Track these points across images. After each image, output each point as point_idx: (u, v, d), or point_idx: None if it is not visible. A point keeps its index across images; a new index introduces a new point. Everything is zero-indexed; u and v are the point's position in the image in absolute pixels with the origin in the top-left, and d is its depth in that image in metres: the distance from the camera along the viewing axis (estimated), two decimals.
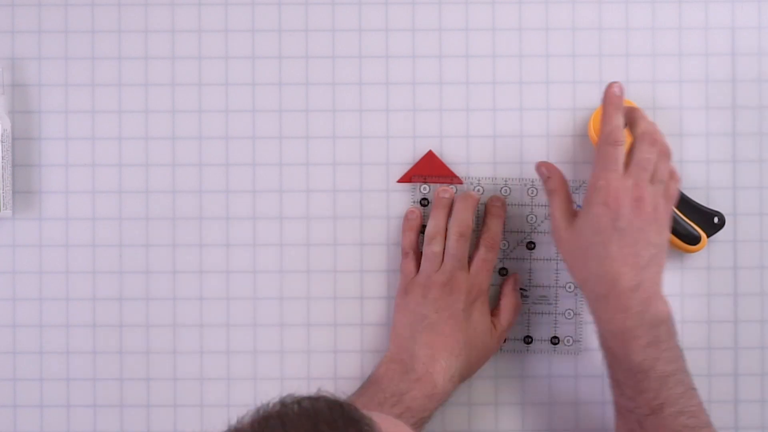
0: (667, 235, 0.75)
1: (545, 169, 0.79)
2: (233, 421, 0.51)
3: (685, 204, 0.81)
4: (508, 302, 0.81)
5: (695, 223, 0.81)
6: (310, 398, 0.51)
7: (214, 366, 0.83)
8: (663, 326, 0.72)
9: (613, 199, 0.72)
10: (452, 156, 0.83)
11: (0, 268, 0.83)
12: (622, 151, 0.74)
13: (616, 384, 0.74)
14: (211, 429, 0.55)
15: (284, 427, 0.50)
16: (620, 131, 0.75)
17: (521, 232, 0.83)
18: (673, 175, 0.76)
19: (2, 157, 0.80)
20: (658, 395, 0.71)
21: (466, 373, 0.79)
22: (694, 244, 0.81)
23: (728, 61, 0.84)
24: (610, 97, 0.76)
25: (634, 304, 0.72)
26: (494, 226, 0.81)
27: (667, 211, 0.75)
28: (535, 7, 0.84)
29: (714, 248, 0.83)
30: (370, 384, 0.78)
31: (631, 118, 0.77)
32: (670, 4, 0.84)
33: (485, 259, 0.80)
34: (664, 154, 0.76)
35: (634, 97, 0.83)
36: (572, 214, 0.77)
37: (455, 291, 0.78)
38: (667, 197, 0.75)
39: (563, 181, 0.78)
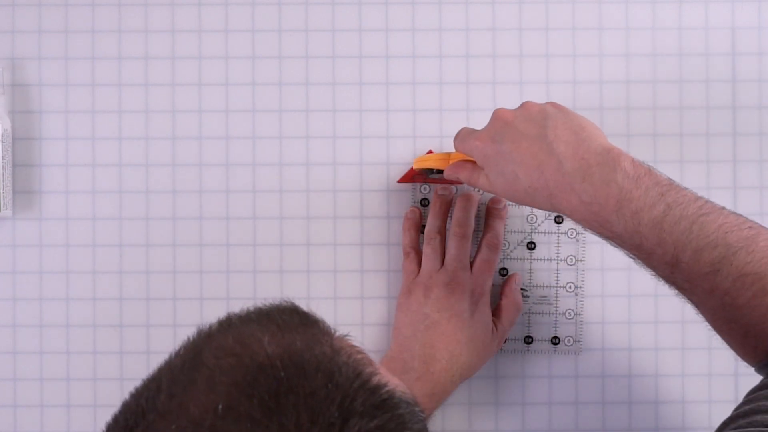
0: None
1: (451, 172, 0.77)
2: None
3: None
4: (509, 302, 0.81)
5: None
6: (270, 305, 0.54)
7: None
8: (619, 174, 0.65)
9: (493, 121, 0.71)
10: None
11: (0, 268, 0.83)
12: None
13: (645, 265, 0.67)
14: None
15: (240, 318, 0.52)
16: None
17: (521, 232, 0.83)
18: None
19: (2, 157, 0.80)
20: (665, 250, 0.64)
21: (466, 373, 0.79)
22: None
23: (728, 61, 0.84)
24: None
25: (573, 181, 0.66)
26: (496, 227, 0.81)
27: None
28: (535, 7, 0.84)
29: None
30: None
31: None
32: (670, 4, 0.84)
33: (488, 259, 0.80)
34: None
35: (634, 97, 0.83)
36: (473, 165, 0.74)
37: (457, 291, 0.78)
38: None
39: (458, 167, 0.76)
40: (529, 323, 0.83)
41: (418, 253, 0.81)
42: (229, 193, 0.83)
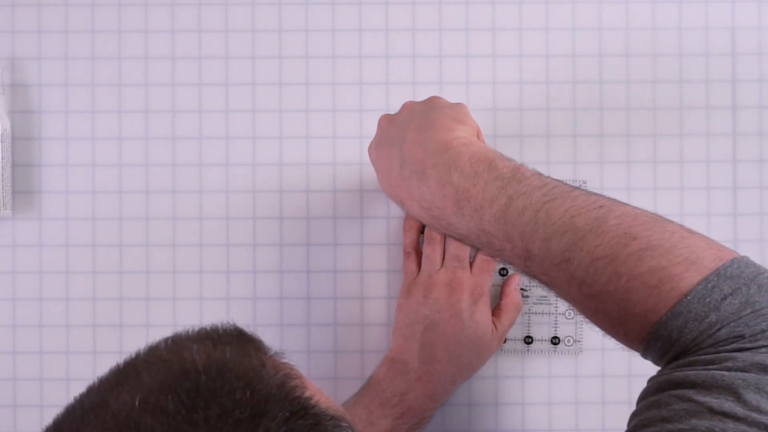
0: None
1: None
2: None
3: None
4: (509, 302, 0.81)
5: None
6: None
7: None
8: (455, 174, 0.62)
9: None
10: None
11: (0, 268, 0.83)
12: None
13: (502, 261, 0.63)
14: None
15: (177, 339, 0.53)
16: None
17: None
18: None
19: (2, 157, 0.80)
20: (514, 244, 0.60)
21: (466, 374, 0.79)
22: None
23: (728, 61, 0.84)
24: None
25: (411, 186, 0.63)
26: None
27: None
28: (535, 7, 0.84)
29: None
30: (371, 384, 0.78)
31: None
32: (670, 4, 0.84)
33: (487, 259, 0.80)
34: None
35: (634, 97, 0.83)
36: None
37: (457, 291, 0.78)
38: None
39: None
40: (529, 323, 0.83)
41: (419, 254, 0.81)
42: (229, 193, 0.83)
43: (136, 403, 0.47)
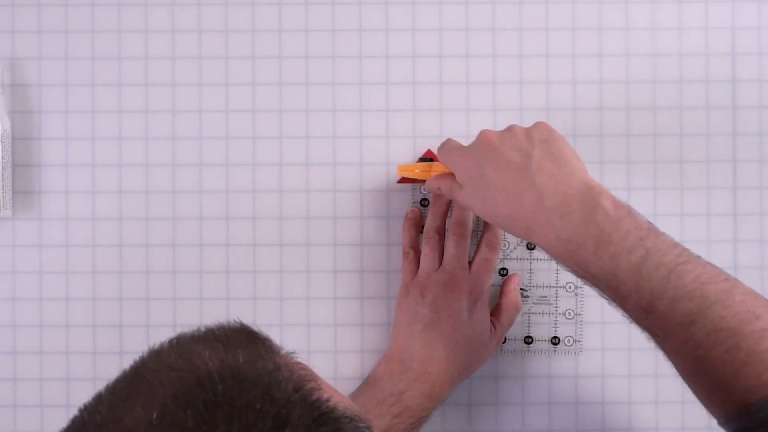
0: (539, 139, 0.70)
1: (433, 184, 0.77)
2: None
3: None
4: (508, 302, 0.81)
5: None
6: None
7: None
8: (600, 215, 0.64)
9: (479, 143, 0.71)
10: None
11: (0, 268, 0.83)
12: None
13: (619, 307, 0.67)
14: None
15: (189, 338, 0.52)
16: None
17: None
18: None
19: (2, 157, 0.80)
20: (641, 295, 0.63)
21: (465, 373, 0.79)
22: None
23: (728, 61, 0.84)
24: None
25: (552, 217, 0.65)
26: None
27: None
28: (535, 7, 0.84)
29: (715, 248, 0.83)
30: (369, 383, 0.78)
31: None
32: (670, 4, 0.84)
33: (487, 258, 0.80)
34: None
35: (634, 97, 0.83)
36: (453, 179, 0.74)
37: (455, 290, 0.78)
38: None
39: (439, 180, 0.76)
40: (529, 323, 0.83)
41: (418, 253, 0.81)
42: (229, 193, 0.83)
43: (153, 419, 0.46)
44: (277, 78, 0.84)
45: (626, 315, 0.66)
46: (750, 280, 0.83)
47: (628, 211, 0.65)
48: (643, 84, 0.83)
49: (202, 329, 0.54)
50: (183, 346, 0.52)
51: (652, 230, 0.64)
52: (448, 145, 0.75)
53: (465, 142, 0.84)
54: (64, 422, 0.85)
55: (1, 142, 0.80)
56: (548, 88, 0.84)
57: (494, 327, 0.80)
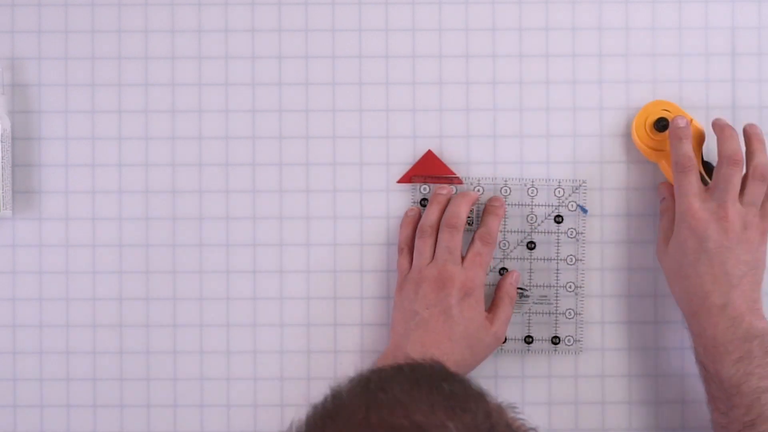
0: (764, 252, 0.76)
1: (664, 190, 0.81)
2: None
3: None
4: (503, 295, 0.81)
5: None
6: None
7: (214, 366, 0.83)
8: (756, 341, 0.73)
9: (696, 221, 0.75)
10: (452, 156, 0.83)
11: (0, 268, 0.83)
12: (695, 174, 0.77)
13: (711, 399, 0.76)
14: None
15: (382, 383, 0.51)
16: (687, 158, 0.77)
17: (521, 232, 0.83)
18: None
19: (2, 157, 0.80)
20: (750, 411, 0.72)
21: (461, 370, 0.78)
22: None
23: (728, 61, 0.84)
24: (674, 130, 0.79)
25: (722, 320, 0.74)
26: (490, 222, 0.81)
27: (761, 229, 0.76)
28: (535, 7, 0.84)
29: None
30: None
31: (748, 150, 0.79)
32: (670, 4, 0.84)
33: (479, 252, 0.79)
34: (759, 176, 0.77)
35: (634, 97, 0.83)
36: (671, 235, 0.79)
37: (447, 285, 0.78)
38: (763, 216, 0.77)
39: (672, 206, 0.79)
40: (529, 323, 0.83)
41: (412, 250, 0.81)
42: (229, 193, 0.83)
43: None
44: (277, 78, 0.84)
45: (715, 403, 0.75)
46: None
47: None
48: (644, 84, 0.83)
49: (404, 370, 0.52)
50: (405, 405, 0.48)
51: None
52: (691, 178, 0.77)
53: (465, 142, 0.84)
54: (64, 422, 0.85)
55: (1, 142, 0.80)
56: (548, 87, 0.84)
57: (491, 323, 0.79)
